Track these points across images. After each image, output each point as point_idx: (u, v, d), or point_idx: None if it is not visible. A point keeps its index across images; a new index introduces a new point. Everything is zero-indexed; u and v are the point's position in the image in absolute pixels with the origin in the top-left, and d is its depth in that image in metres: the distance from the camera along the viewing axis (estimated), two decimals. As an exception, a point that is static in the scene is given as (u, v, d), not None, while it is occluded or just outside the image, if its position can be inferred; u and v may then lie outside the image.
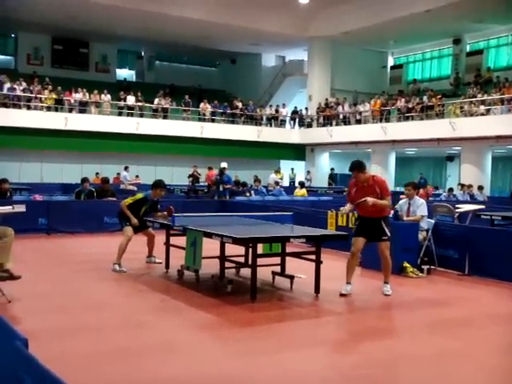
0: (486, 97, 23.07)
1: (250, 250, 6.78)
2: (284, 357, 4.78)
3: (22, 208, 6.47)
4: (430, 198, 17.44)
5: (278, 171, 26.89)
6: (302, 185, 20.51)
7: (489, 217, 11.42)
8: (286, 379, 4.27)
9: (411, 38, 30.34)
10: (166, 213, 8.50)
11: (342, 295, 6.99)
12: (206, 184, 21.12)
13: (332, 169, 30.02)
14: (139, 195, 8.99)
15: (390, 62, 34.88)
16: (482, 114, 22.53)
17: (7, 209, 6.49)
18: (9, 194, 12.84)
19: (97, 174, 22.87)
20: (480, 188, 20.18)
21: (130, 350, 4.80)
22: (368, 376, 4.41)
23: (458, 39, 29.40)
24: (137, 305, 6.49)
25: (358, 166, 7.10)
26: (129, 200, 8.79)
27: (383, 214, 7.12)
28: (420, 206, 9.13)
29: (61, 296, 6.79)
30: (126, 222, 8.61)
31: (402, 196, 10.01)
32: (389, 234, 7.11)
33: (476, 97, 23.47)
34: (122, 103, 27.46)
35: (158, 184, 8.87)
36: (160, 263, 8.71)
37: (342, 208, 7.35)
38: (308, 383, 4.23)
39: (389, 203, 7.13)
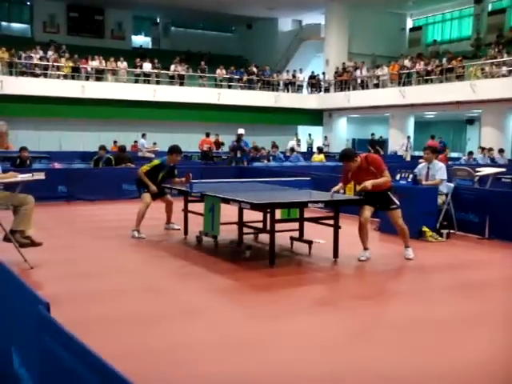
0: (507, 57, 22.55)
1: (268, 215, 6.77)
2: (302, 320, 4.81)
3: (41, 176, 6.51)
4: (450, 162, 17.26)
5: (296, 137, 26.75)
6: (320, 150, 20.39)
7: (509, 180, 11.29)
8: (304, 342, 4.30)
9: (431, -1, 29.71)
10: (183, 179, 8.49)
11: (360, 261, 6.98)
12: (200, 150, 20.94)
13: (372, 134, 27.59)
14: (156, 161, 8.95)
15: (409, 23, 34.21)
16: (504, 76, 22.07)
17: (27, 176, 6.54)
18: (28, 161, 12.98)
19: (115, 142, 22.92)
20: (501, 151, 19.91)
21: (150, 314, 4.87)
22: (384, 339, 4.43)
23: (480, -2, 28.69)
24: (156, 270, 6.55)
25: (347, 156, 7.00)
26: (146, 167, 8.78)
27: (385, 187, 7.06)
28: (439, 170, 9.02)
29: (81, 262, 6.88)
30: (144, 188, 8.63)
31: (420, 160, 9.90)
32: (397, 202, 7.08)
33: (497, 58, 22.96)
34: (138, 70, 27.34)
35: (174, 149, 8.79)
36: (179, 229, 8.76)
37: (332, 189, 7.11)
38: (325, 346, 4.25)
39: (387, 178, 6.99)
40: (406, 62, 26.91)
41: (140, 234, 8.33)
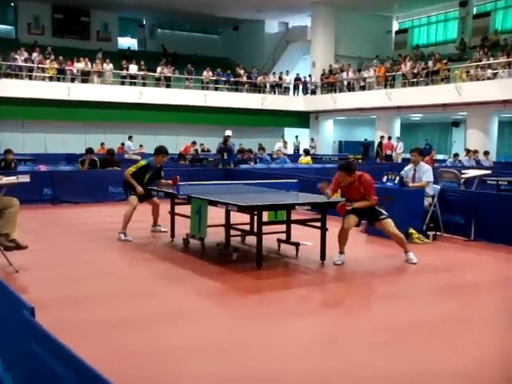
0: (492, 60, 22.75)
1: (256, 217, 6.76)
2: (290, 323, 4.80)
3: (26, 178, 6.46)
4: (436, 164, 17.35)
5: (283, 139, 26.81)
6: (306, 152, 20.42)
7: (495, 182, 11.36)
8: (292, 345, 4.29)
9: (416, 1, 29.85)
10: (171, 181, 8.45)
11: (335, 264, 6.94)
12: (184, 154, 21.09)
13: (365, 139, 28.62)
14: (142, 162, 8.90)
15: (395, 26, 34.39)
16: (489, 78, 22.25)
17: (12, 179, 6.48)
18: (13, 164, 12.86)
19: (102, 144, 22.82)
20: (486, 153, 20.05)
21: (137, 318, 4.83)
22: (373, 341, 4.43)
23: (465, 1, 28.89)
24: (143, 274, 6.52)
25: (347, 169, 7.00)
26: (132, 168, 8.73)
27: (373, 205, 7.08)
28: (425, 172, 9.07)
29: (67, 265, 6.82)
30: (131, 191, 8.58)
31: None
32: (385, 213, 7.10)
33: (482, 60, 23.15)
34: (124, 72, 27.23)
35: (160, 150, 8.73)
36: (165, 232, 8.72)
37: (321, 184, 7.09)
38: (314, 349, 4.25)
39: (371, 201, 7.02)
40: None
41: (126, 237, 8.29)
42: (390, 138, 25.59)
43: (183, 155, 19.99)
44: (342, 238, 7.07)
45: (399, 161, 23.26)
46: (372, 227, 8.94)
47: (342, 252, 7.07)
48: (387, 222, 7.06)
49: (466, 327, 4.87)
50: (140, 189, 8.48)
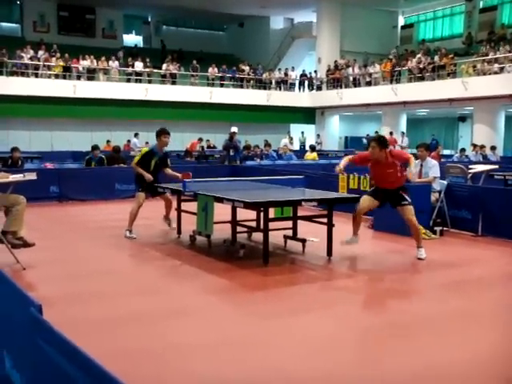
0: (499, 54, 22.62)
1: (262, 214, 6.75)
2: (297, 320, 4.80)
3: (33, 176, 6.47)
4: (442, 160, 17.29)
5: (289, 136, 26.78)
6: (312, 148, 20.39)
7: (502, 177, 11.31)
8: (299, 342, 4.28)
9: (422, -4, 29.76)
10: (179, 175, 8.28)
11: (344, 243, 6.97)
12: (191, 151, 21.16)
13: (367, 135, 28.83)
14: (145, 149, 8.77)
15: (401, 21, 34.24)
16: (496, 73, 22.13)
17: (18, 177, 6.50)
18: (20, 162, 12.91)
19: (108, 141, 22.85)
20: (493, 148, 19.96)
21: (143, 315, 4.84)
22: (381, 337, 4.42)
23: (471, -5, 28.75)
24: (149, 271, 6.52)
25: (381, 142, 6.90)
26: (137, 157, 8.54)
27: (401, 184, 7.00)
28: (432, 168, 9.04)
29: (74, 263, 6.84)
30: (139, 187, 8.44)
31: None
32: (408, 199, 6.98)
33: (489, 55, 23.02)
34: (130, 69, 27.25)
35: (161, 131, 8.45)
36: (174, 228, 8.62)
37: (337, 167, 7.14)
38: (321, 346, 4.24)
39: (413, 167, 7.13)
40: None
41: (131, 234, 8.26)
42: (391, 134, 25.50)
43: (189, 152, 20.02)
44: (357, 221, 7.04)
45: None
46: (377, 223, 8.96)
47: (355, 234, 7.04)
48: (408, 208, 6.94)
49: (474, 323, 4.85)
50: (148, 176, 8.23)
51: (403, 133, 25.69)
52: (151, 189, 8.43)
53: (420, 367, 3.81)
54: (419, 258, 6.99)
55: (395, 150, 7.17)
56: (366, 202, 6.99)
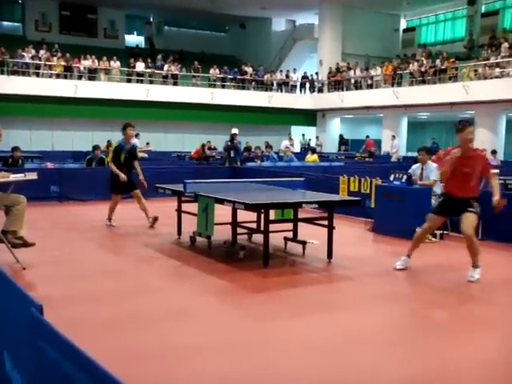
0: (500, 59, 22.62)
1: (262, 215, 6.75)
2: (297, 322, 4.79)
3: (33, 175, 6.47)
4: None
5: (289, 137, 26.79)
6: (313, 151, 20.39)
7: (503, 181, 11.29)
8: (299, 344, 4.28)
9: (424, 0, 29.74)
10: (142, 177, 9.07)
11: (397, 270, 6.57)
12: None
13: (341, 135, 29.58)
14: (114, 144, 9.43)
15: (403, 24, 34.27)
16: (497, 77, 22.14)
17: (19, 176, 6.49)
18: (20, 161, 12.90)
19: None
20: (493, 152, 19.96)
21: (143, 316, 4.83)
22: (381, 341, 4.41)
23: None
24: (150, 271, 6.51)
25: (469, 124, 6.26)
26: (110, 154, 9.18)
27: (476, 194, 6.32)
28: (433, 171, 9.04)
29: (74, 263, 6.83)
30: (114, 189, 9.04)
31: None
32: (476, 209, 6.19)
33: (490, 59, 23.03)
34: (131, 70, 27.25)
35: (125, 125, 9.23)
36: (154, 222, 8.98)
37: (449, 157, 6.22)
38: (321, 348, 4.23)
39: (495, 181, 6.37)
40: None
41: (110, 223, 8.92)
42: (367, 137, 26.44)
43: (194, 158, 20.07)
44: (420, 238, 6.64)
45: (393, 159, 23.03)
46: (377, 226, 8.94)
47: (409, 255, 6.62)
48: (473, 217, 6.15)
49: (474, 327, 4.84)
50: (123, 176, 8.84)
51: (394, 136, 25.51)
52: (124, 188, 9.04)
53: (419, 371, 3.81)
54: (469, 280, 6.13)
55: (479, 152, 6.53)
56: (436, 222, 6.50)
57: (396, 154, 24.21)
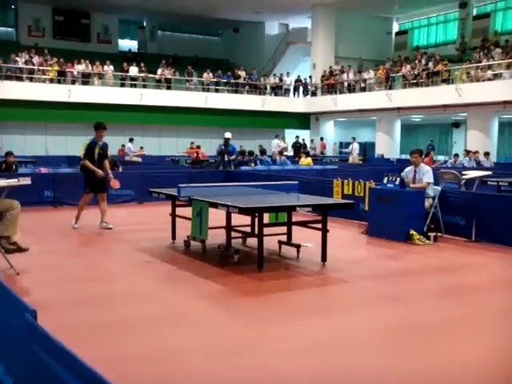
0: (492, 61, 22.74)
1: (256, 219, 6.77)
2: (292, 325, 4.80)
3: (27, 181, 6.46)
4: (437, 165, 17.37)
5: (282, 139, 26.76)
6: (307, 154, 20.41)
7: (495, 183, 11.37)
8: (293, 347, 4.29)
9: (416, 3, 29.85)
10: (111, 176, 9.37)
11: None
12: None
13: (297, 136, 28.16)
14: (86, 142, 9.67)
15: (395, 27, 34.37)
16: (489, 79, 22.25)
17: (13, 181, 6.48)
18: (14, 166, 12.88)
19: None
20: (486, 154, 20.06)
21: (138, 320, 4.83)
22: (375, 343, 4.43)
23: (465, 2, 28.82)
24: (144, 276, 6.51)
25: None
26: (83, 152, 9.46)
27: None
28: (426, 173, 9.09)
29: (68, 268, 6.82)
30: (88, 187, 9.34)
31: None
32: None
33: (482, 62, 23.14)
34: (125, 74, 27.23)
35: (97, 126, 9.59)
36: (111, 228, 9.15)
37: None
38: (316, 351, 4.25)
39: None
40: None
41: (75, 224, 9.27)
42: (321, 139, 27.45)
43: (194, 159, 20.14)
44: None
45: (351, 161, 23.20)
46: (371, 229, 8.96)
47: None
48: None
49: (468, 328, 4.87)
50: (99, 171, 9.18)
51: (354, 138, 25.45)
52: (98, 186, 9.37)
53: (414, 372, 3.82)
54: None
55: None
56: None
57: (353, 157, 24.29)
